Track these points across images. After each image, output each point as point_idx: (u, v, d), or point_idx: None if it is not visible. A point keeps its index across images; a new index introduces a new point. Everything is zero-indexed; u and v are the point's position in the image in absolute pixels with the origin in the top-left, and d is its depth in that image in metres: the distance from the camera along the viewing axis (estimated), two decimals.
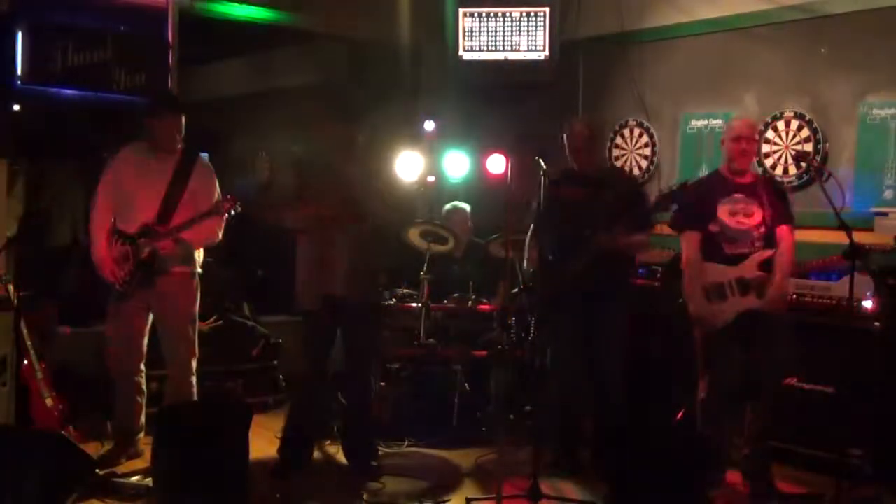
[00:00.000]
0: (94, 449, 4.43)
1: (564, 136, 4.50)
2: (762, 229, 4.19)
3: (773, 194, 4.25)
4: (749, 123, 4.37)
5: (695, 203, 4.31)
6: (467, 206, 6.00)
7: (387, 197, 4.38)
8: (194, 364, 4.55)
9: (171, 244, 4.34)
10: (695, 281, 4.25)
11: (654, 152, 5.93)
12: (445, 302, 5.48)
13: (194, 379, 4.54)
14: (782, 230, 4.19)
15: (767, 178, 4.17)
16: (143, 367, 4.55)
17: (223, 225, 4.52)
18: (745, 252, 4.18)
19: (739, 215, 4.20)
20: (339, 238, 4.27)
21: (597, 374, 4.49)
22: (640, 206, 4.44)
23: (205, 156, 4.84)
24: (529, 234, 4.55)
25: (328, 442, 4.88)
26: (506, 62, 6.20)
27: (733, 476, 4.33)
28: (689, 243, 4.33)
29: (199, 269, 4.58)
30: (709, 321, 4.21)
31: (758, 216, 4.19)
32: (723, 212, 4.21)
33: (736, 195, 4.22)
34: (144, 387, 4.58)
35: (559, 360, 4.55)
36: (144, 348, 4.54)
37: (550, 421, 4.58)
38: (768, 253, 4.15)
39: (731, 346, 4.19)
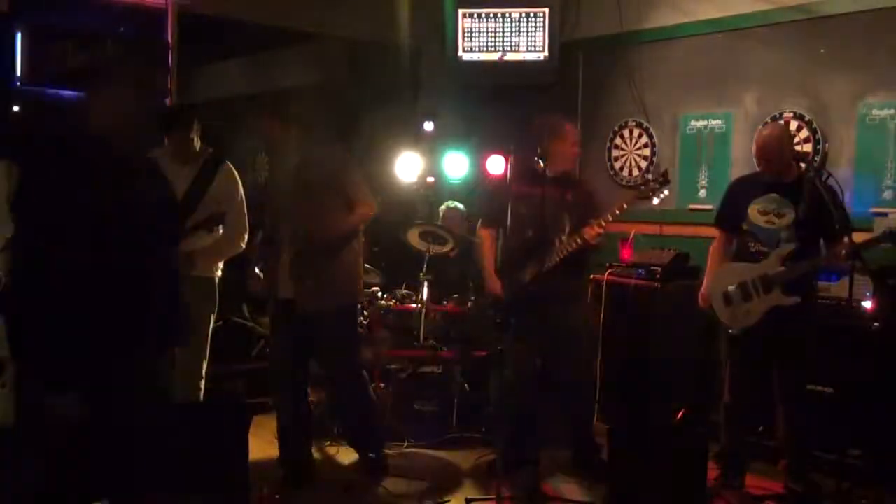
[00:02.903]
0: None
1: (544, 134, 4.38)
2: (794, 229, 4.07)
3: (816, 194, 3.98)
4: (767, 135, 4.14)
5: (729, 201, 4.32)
6: (461, 206, 6.00)
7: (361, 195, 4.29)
8: (204, 368, 4.52)
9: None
10: (710, 280, 4.27)
11: (653, 153, 5.93)
12: (445, 303, 5.49)
13: (203, 383, 4.51)
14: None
15: (813, 178, 3.96)
16: None
17: (244, 235, 4.50)
18: (767, 251, 4.11)
19: (770, 215, 4.11)
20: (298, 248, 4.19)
21: (560, 376, 4.47)
22: (596, 206, 4.41)
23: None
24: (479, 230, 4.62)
25: (328, 442, 4.88)
26: (505, 63, 6.21)
27: (753, 480, 4.34)
28: (716, 241, 4.39)
29: (218, 274, 4.56)
30: (729, 323, 4.16)
31: (790, 216, 4.07)
32: (753, 211, 4.15)
33: (772, 194, 4.13)
34: None
35: (513, 361, 4.27)
36: None
37: (503, 421, 4.46)
38: (789, 248, 4.04)
39: (753, 347, 4.14)
